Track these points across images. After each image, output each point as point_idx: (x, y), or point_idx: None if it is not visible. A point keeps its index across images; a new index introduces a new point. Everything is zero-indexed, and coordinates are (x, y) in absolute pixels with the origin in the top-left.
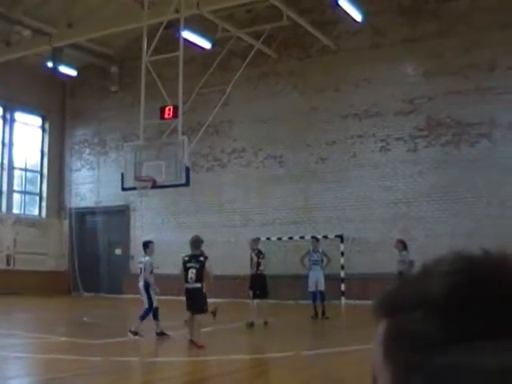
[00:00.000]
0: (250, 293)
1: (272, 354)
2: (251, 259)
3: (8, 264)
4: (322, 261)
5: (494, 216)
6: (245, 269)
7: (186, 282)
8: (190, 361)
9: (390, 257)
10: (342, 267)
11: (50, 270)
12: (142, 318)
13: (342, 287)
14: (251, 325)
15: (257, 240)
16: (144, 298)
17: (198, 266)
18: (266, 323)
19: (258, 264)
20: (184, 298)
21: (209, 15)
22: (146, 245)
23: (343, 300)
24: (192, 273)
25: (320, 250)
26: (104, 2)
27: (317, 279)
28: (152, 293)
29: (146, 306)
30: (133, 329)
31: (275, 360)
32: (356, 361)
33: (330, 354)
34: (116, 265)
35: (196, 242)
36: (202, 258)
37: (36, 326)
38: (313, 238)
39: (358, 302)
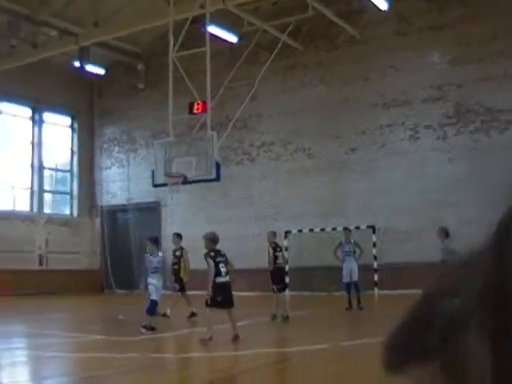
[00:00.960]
0: (274, 287)
1: (307, 346)
2: (268, 253)
3: (41, 264)
4: (355, 251)
5: None
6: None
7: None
8: (226, 355)
9: (422, 246)
10: (375, 257)
11: (83, 268)
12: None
13: (375, 277)
14: (286, 318)
15: (274, 233)
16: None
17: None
18: (286, 318)
19: (276, 257)
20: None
21: (234, 9)
22: (155, 240)
23: (376, 290)
24: (223, 267)
25: (352, 240)
26: (129, 0)
27: (350, 270)
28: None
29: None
30: (144, 323)
31: (310, 352)
32: None
33: (365, 345)
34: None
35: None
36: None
37: (71, 324)
38: (345, 229)
39: (391, 292)
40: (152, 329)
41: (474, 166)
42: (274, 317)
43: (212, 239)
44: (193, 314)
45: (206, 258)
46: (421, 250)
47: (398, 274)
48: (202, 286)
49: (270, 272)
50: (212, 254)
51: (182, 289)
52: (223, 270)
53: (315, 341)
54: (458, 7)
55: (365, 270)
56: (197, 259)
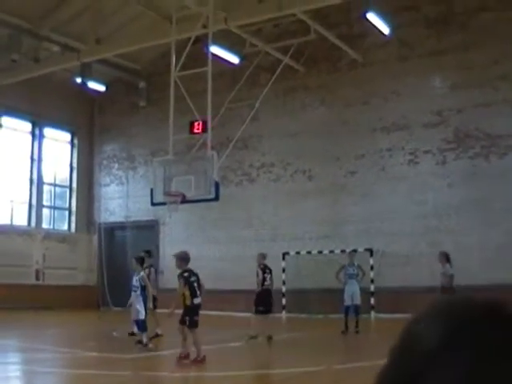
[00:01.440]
0: (253, 308)
1: (302, 368)
2: (257, 275)
3: (37, 279)
4: (358, 274)
5: None
6: (275, 283)
7: (196, 296)
8: (220, 376)
9: (420, 270)
10: (372, 281)
11: (79, 284)
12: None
13: (372, 301)
14: (254, 337)
15: (263, 255)
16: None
17: (196, 279)
18: (270, 338)
19: (264, 279)
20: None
21: (236, 30)
22: (143, 259)
23: (373, 314)
24: (196, 287)
25: (356, 263)
26: (132, 18)
27: (353, 293)
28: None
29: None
30: (139, 339)
31: (305, 374)
32: None
33: (360, 369)
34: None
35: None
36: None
37: (65, 340)
38: (348, 252)
39: (388, 315)
40: (146, 344)
41: (474, 192)
42: (254, 337)
43: (183, 258)
44: (157, 335)
45: (179, 279)
46: (418, 274)
47: (395, 298)
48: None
49: (256, 293)
50: (186, 274)
51: (155, 307)
52: (197, 290)
53: (310, 363)
54: (458, 33)
55: (362, 292)
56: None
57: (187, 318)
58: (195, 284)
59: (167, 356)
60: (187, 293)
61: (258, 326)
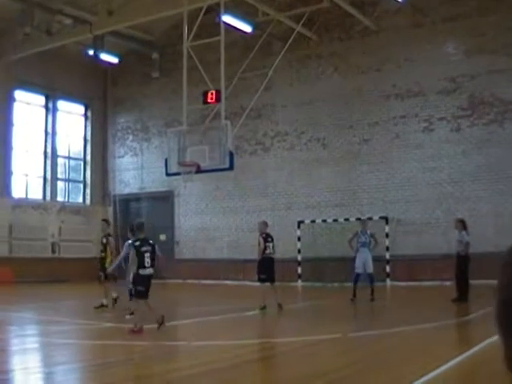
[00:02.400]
0: (261, 277)
1: (318, 336)
2: (259, 243)
3: (53, 252)
4: (370, 243)
5: None
6: (290, 252)
7: (144, 267)
8: (237, 344)
9: (435, 238)
10: (387, 249)
11: (95, 256)
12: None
13: (387, 269)
14: (263, 308)
15: (265, 223)
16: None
17: (151, 249)
18: (280, 306)
19: (266, 248)
20: None
21: None
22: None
23: (388, 282)
24: (147, 257)
25: (368, 231)
26: None
27: (364, 261)
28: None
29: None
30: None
31: (321, 342)
32: (402, 342)
33: (376, 336)
34: (161, 250)
35: (143, 226)
36: (152, 241)
37: (82, 312)
38: (361, 219)
39: (403, 283)
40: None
41: (488, 158)
42: (263, 308)
43: (137, 227)
44: (102, 306)
45: (130, 247)
46: (433, 241)
47: (410, 266)
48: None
49: (258, 261)
50: (137, 243)
51: (106, 277)
52: (147, 260)
53: (327, 331)
54: None
55: (377, 261)
56: (209, 248)
57: (133, 287)
58: (147, 254)
59: (184, 325)
60: (135, 262)
61: (265, 295)
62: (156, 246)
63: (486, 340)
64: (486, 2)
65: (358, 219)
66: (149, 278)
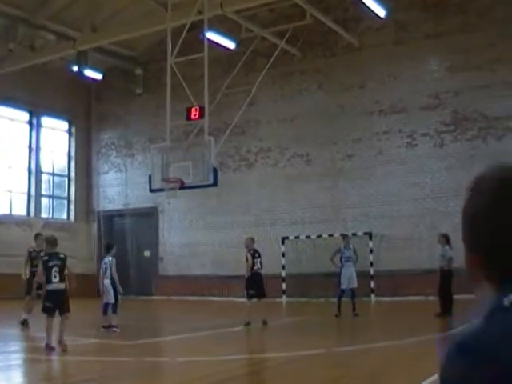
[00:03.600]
0: (245, 292)
1: (302, 351)
2: (247, 259)
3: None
4: (355, 257)
5: None
6: (274, 268)
7: (51, 282)
8: (222, 360)
9: (419, 253)
10: (371, 264)
11: (79, 273)
12: (114, 310)
13: (372, 284)
14: (247, 324)
15: (252, 239)
16: (110, 293)
17: (60, 263)
18: (265, 323)
19: (254, 264)
20: None
21: (232, 15)
22: (110, 246)
23: (373, 297)
24: (56, 271)
25: (352, 246)
26: (127, 5)
27: (350, 276)
28: (117, 288)
29: (112, 300)
30: (106, 324)
31: (306, 357)
32: (386, 357)
33: (360, 351)
34: (145, 267)
35: (54, 241)
36: (62, 256)
37: (67, 328)
38: (344, 235)
39: (387, 298)
40: (109, 327)
41: (471, 174)
42: (248, 324)
43: (48, 241)
44: (24, 322)
45: (39, 261)
46: (417, 257)
47: (394, 281)
48: (200, 291)
49: (247, 278)
50: (45, 257)
51: (28, 292)
52: (56, 275)
53: (309, 346)
54: (456, 15)
55: (361, 276)
56: (193, 265)
57: (42, 302)
58: (55, 269)
59: (169, 341)
60: (44, 278)
61: (251, 312)
62: (66, 261)
63: None
64: (469, 18)
65: (345, 235)
66: (56, 293)
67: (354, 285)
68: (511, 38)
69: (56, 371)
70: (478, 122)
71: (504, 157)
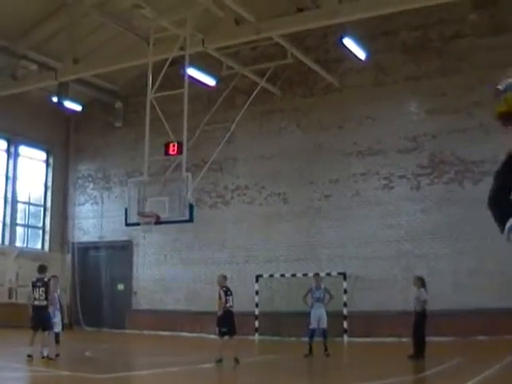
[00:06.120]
0: (216, 330)
1: None
2: (219, 296)
3: (10, 297)
4: (325, 298)
5: (497, 253)
6: (247, 306)
7: (34, 299)
8: None
9: (393, 294)
10: (345, 305)
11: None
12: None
13: (345, 325)
14: (219, 361)
15: (224, 277)
16: (58, 320)
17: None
18: (236, 361)
19: (226, 301)
20: None
21: (214, 52)
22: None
23: (346, 338)
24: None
25: (323, 286)
26: (110, 39)
27: (319, 316)
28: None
29: (59, 329)
30: (47, 354)
31: None
32: None
33: None
34: (119, 300)
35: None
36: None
37: (38, 359)
38: (315, 274)
39: (360, 339)
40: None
41: (448, 217)
42: (219, 361)
43: (39, 269)
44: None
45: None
46: (391, 298)
47: (368, 322)
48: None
49: (219, 315)
50: (33, 280)
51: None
52: (39, 293)
53: None
54: (435, 59)
55: (335, 316)
56: (166, 299)
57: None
58: (41, 288)
59: (140, 376)
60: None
61: (223, 349)
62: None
63: None
64: (449, 62)
65: (316, 274)
66: (37, 308)
67: (324, 325)
68: (489, 83)
69: None
70: (455, 165)
71: (479, 201)
